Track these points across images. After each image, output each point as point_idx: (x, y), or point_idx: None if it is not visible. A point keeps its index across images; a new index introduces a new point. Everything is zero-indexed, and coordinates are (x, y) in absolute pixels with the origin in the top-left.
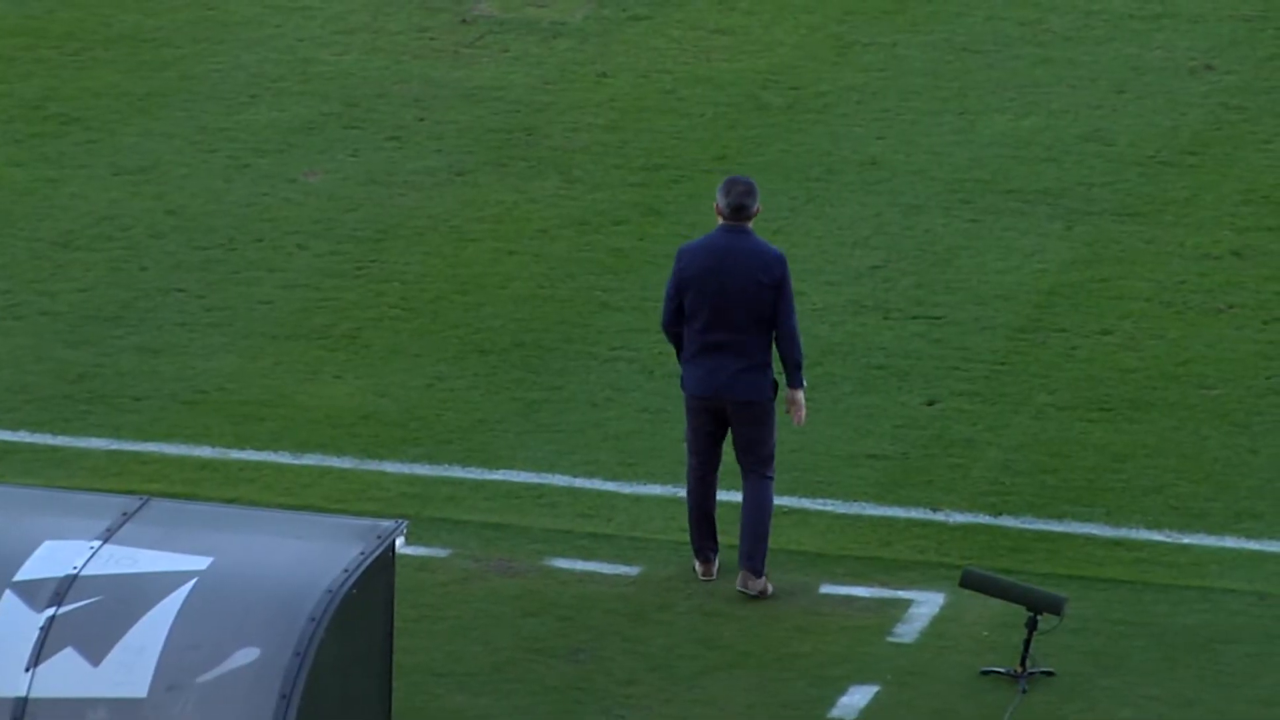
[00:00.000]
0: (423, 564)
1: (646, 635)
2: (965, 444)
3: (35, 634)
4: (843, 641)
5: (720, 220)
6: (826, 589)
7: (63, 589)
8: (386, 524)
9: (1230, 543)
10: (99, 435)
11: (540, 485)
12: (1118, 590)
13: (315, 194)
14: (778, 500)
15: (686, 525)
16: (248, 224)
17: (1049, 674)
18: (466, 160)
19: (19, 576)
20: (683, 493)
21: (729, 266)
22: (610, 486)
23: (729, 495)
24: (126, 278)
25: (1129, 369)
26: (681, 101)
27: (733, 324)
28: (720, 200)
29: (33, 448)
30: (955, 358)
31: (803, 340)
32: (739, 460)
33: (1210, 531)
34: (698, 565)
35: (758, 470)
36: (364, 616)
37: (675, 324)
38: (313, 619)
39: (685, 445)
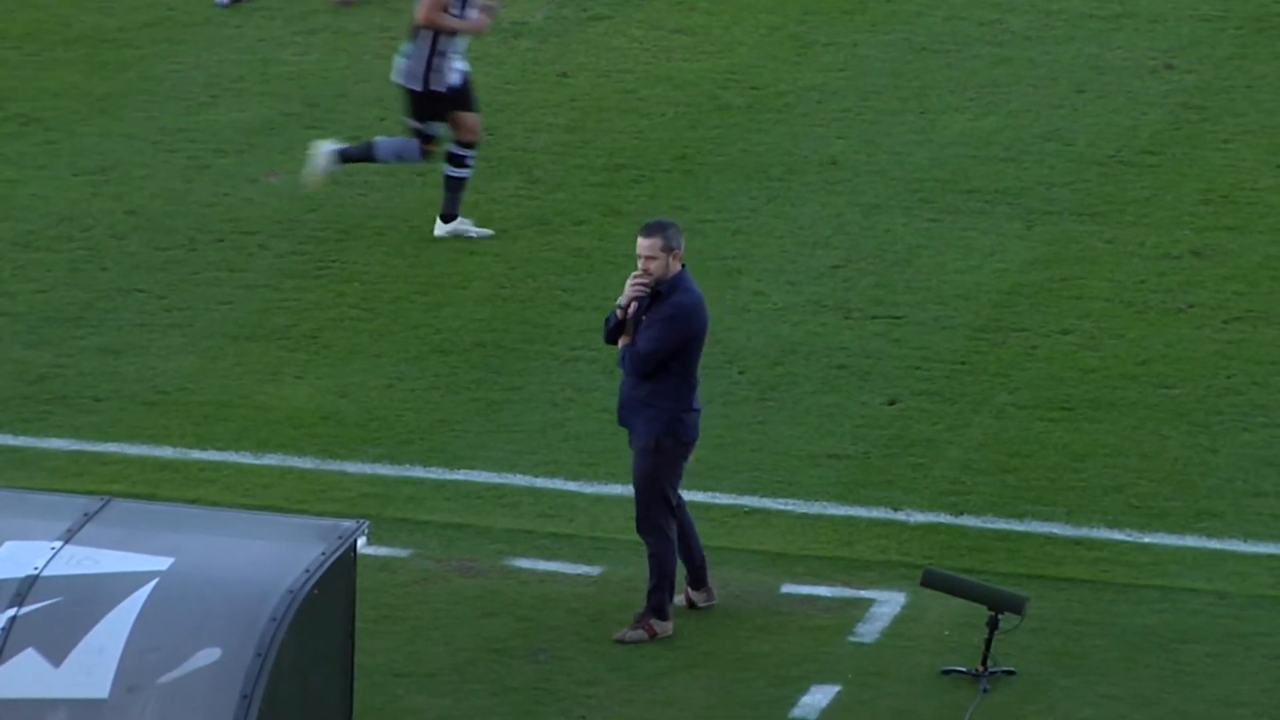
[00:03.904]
0: (384, 564)
1: (608, 635)
2: (926, 443)
3: None
4: (804, 641)
5: (683, 265)
6: (788, 589)
7: (24, 590)
8: (347, 524)
9: (1190, 541)
10: (60, 436)
11: (501, 485)
12: (1078, 590)
13: (276, 194)
14: (740, 498)
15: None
16: (208, 224)
17: (1010, 673)
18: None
19: None
20: None
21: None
22: (571, 486)
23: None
24: (87, 278)
25: (1089, 368)
26: (642, 101)
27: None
28: (682, 242)
29: None
30: (916, 357)
31: (755, 342)
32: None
33: (1170, 530)
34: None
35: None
36: (325, 617)
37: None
38: (274, 619)
39: (664, 504)
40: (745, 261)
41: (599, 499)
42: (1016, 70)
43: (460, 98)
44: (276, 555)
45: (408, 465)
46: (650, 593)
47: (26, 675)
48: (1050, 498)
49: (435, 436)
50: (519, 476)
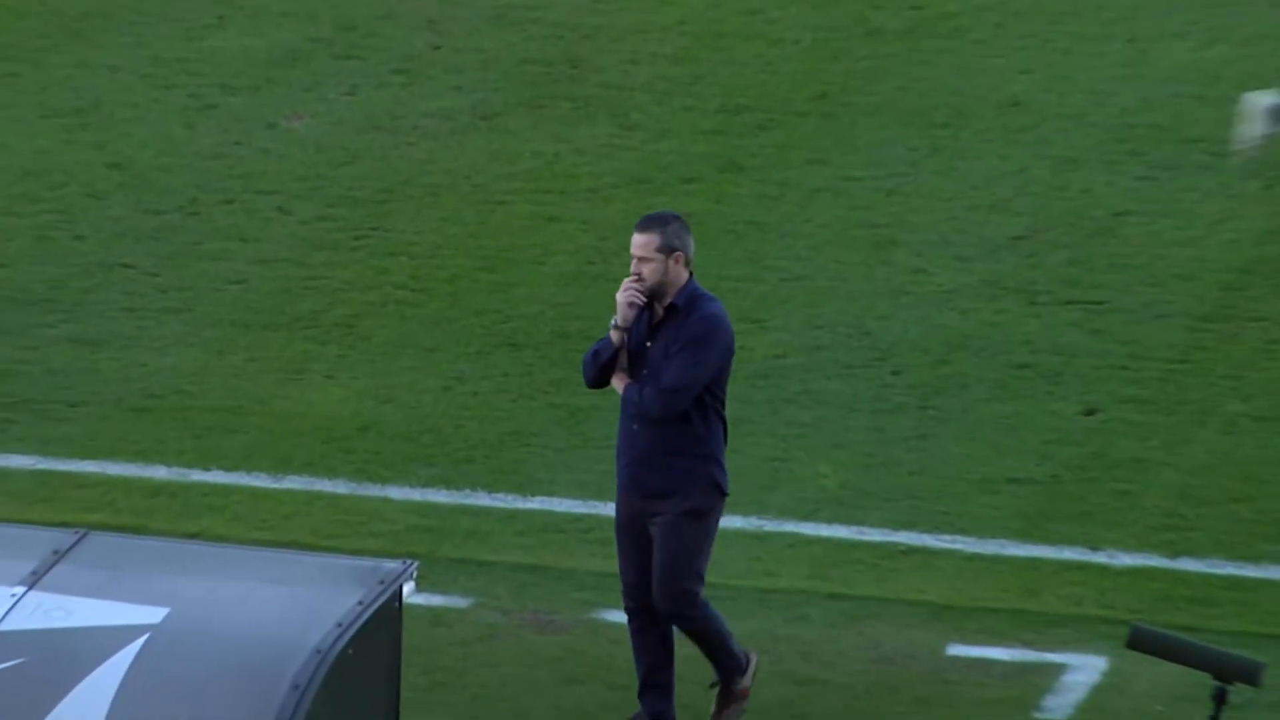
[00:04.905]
0: (438, 617)
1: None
2: (1134, 465)
3: None
4: (976, 718)
5: (686, 271)
6: (955, 650)
7: None
8: (391, 566)
9: None
10: (22, 451)
11: (588, 516)
12: None
13: (300, 143)
14: (894, 534)
15: (721, 623)
16: (214, 181)
17: None
18: (494, 100)
19: None
20: (769, 525)
21: None
22: None
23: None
24: (58, 250)
25: None
26: (771, 24)
27: None
28: (690, 242)
29: None
30: (1121, 354)
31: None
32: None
33: None
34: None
35: None
36: (362, 683)
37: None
38: (296, 687)
39: (698, 578)
40: (901, 231)
41: None
42: None
43: None
44: (300, 605)
45: (468, 490)
46: (717, 663)
47: None
48: None
49: (504, 454)
50: (610, 506)
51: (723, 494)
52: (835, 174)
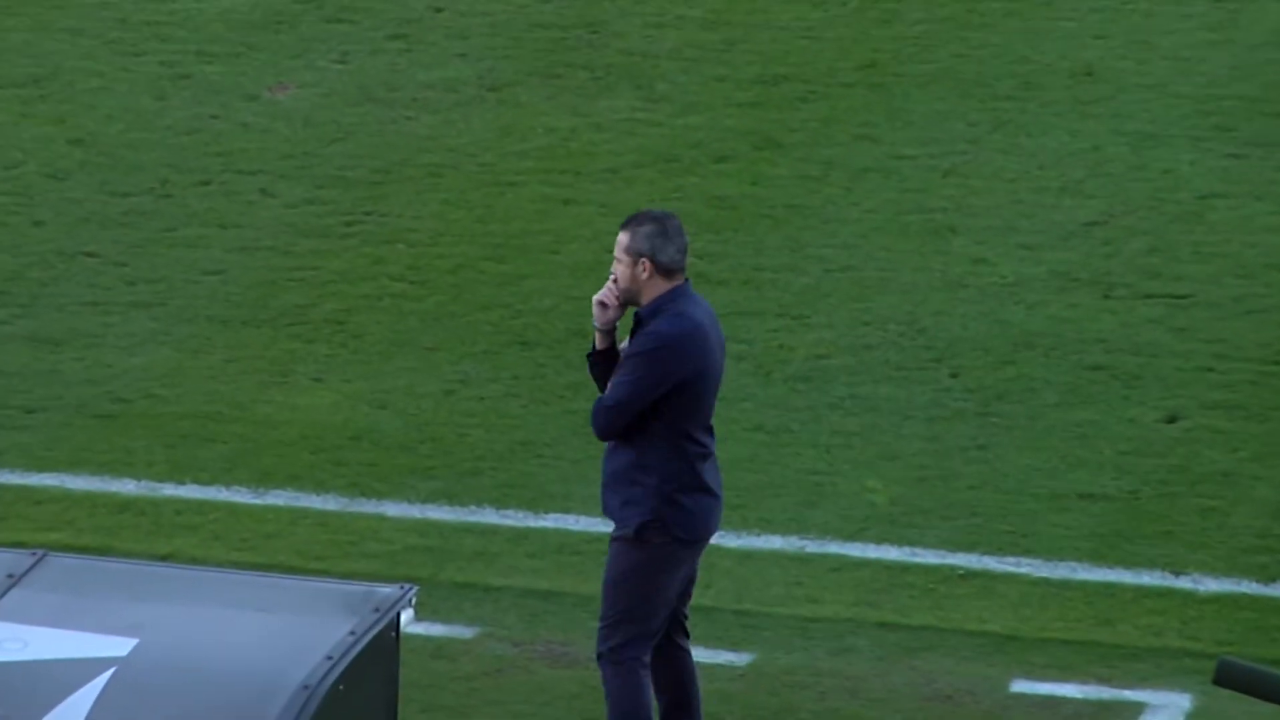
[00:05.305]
0: (439, 648)
1: None
2: (1221, 479)
3: None
4: None
5: (662, 280)
6: (1020, 686)
7: None
8: (387, 591)
9: None
10: None
11: (605, 536)
12: None
13: (286, 117)
14: (951, 555)
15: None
16: (188, 160)
17: None
18: (503, 69)
19: None
20: (811, 546)
21: (720, 338)
22: None
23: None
24: (13, 236)
25: None
26: None
27: (709, 422)
28: (663, 248)
29: None
30: (1207, 354)
31: (973, 332)
32: (676, 619)
33: None
34: None
35: (687, 616)
36: None
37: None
38: None
39: (635, 623)
40: (960, 215)
41: (747, 555)
42: None
43: None
44: (286, 635)
45: (473, 506)
46: None
47: None
48: None
49: (513, 466)
50: None
51: (670, 536)
52: (885, 152)
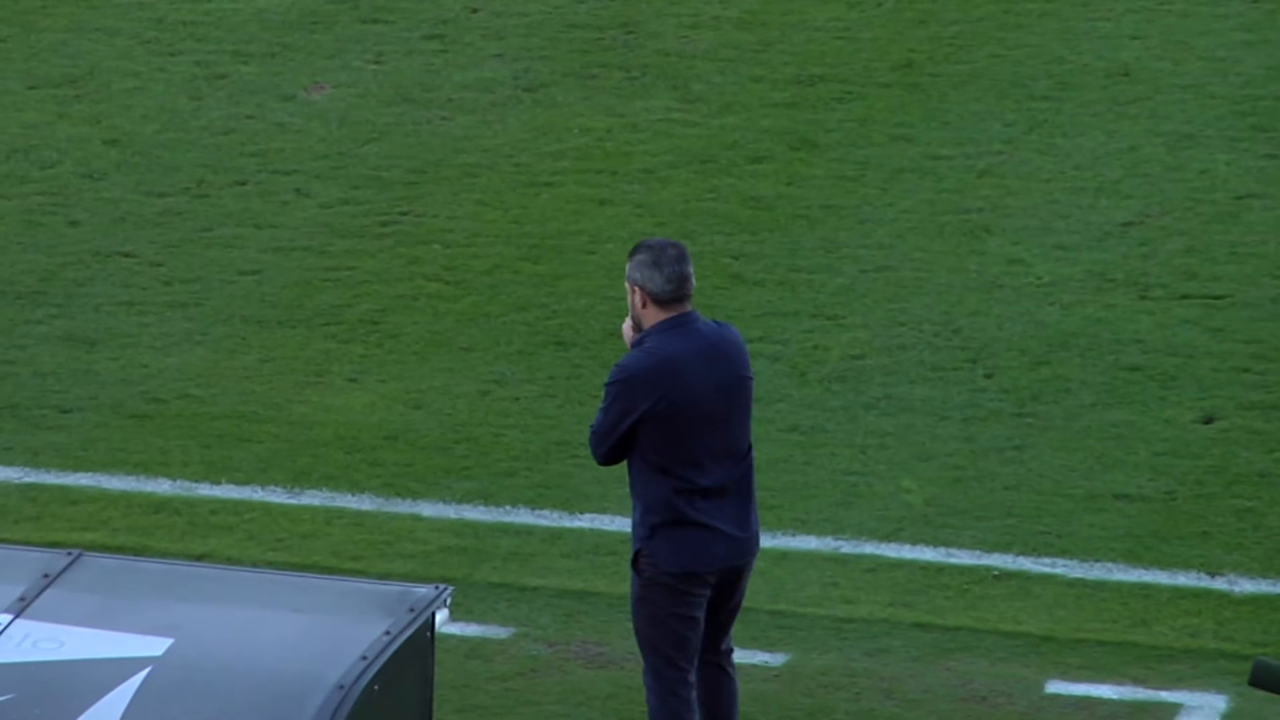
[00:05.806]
0: (475, 648)
1: None
2: (1259, 479)
3: None
4: None
5: (657, 310)
6: (1055, 687)
7: None
8: (422, 591)
9: None
10: (9, 463)
11: None
12: None
13: (321, 117)
14: (986, 556)
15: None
16: (224, 160)
17: None
18: (539, 69)
19: None
20: (846, 547)
21: (721, 373)
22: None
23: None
24: (49, 236)
25: None
26: None
27: (737, 452)
28: (652, 277)
29: None
30: (1244, 355)
31: (1009, 333)
32: (713, 645)
33: None
34: None
35: (730, 649)
36: None
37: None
38: None
39: (658, 650)
40: (996, 216)
41: (783, 555)
42: None
43: None
44: (321, 636)
45: (509, 507)
46: None
47: None
48: None
49: (549, 466)
50: None
51: (658, 569)
52: (921, 152)
